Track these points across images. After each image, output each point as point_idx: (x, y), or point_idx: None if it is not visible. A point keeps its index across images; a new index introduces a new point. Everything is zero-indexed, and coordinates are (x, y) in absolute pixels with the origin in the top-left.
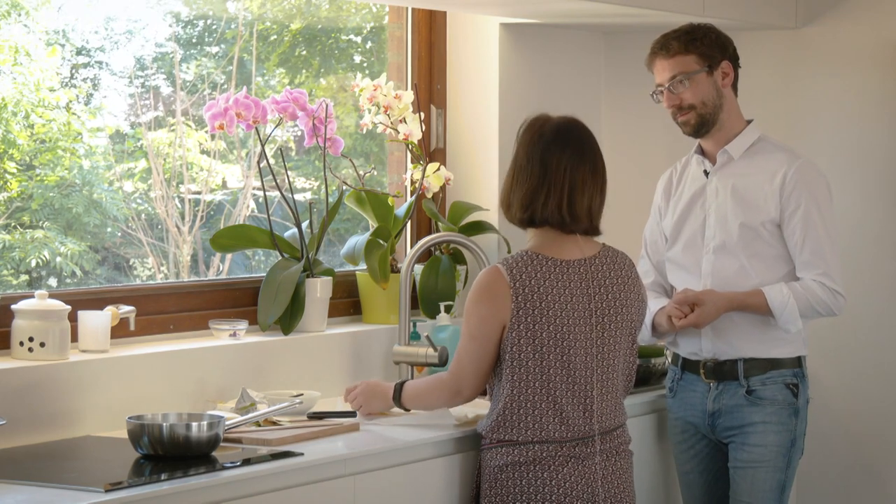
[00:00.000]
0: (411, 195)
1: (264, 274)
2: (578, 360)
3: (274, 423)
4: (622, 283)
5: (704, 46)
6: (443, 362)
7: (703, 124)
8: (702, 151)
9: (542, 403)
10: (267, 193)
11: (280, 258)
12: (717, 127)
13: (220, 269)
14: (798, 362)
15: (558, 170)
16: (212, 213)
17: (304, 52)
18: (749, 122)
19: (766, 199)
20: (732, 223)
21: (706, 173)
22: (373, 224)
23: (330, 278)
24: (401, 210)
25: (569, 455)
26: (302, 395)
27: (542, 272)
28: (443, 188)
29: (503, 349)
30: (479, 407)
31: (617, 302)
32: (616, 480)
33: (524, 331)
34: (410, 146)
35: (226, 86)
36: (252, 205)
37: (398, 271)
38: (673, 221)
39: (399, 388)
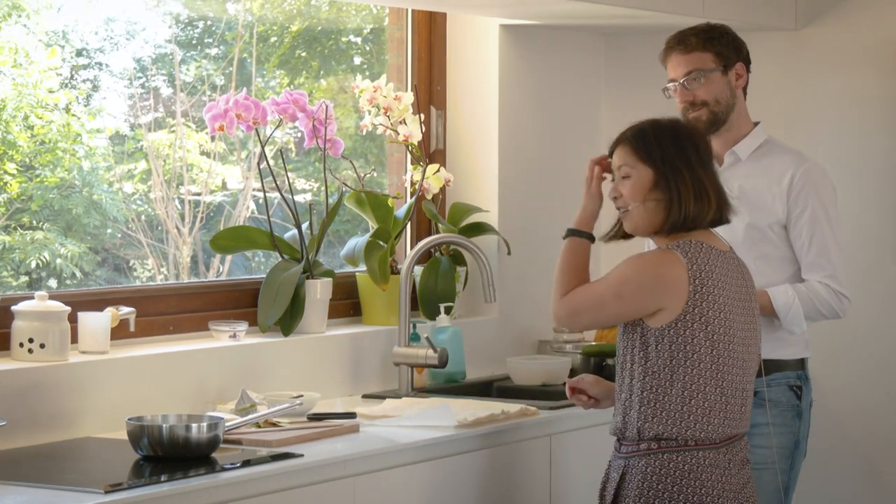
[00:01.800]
0: (411, 196)
1: (264, 275)
2: (740, 352)
3: (274, 425)
4: (751, 278)
5: (722, 46)
6: (443, 363)
7: (714, 122)
8: None
9: (711, 396)
10: (267, 195)
11: (280, 259)
12: (727, 127)
13: (220, 270)
14: (801, 364)
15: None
16: (212, 214)
17: (304, 54)
18: (756, 123)
19: (773, 200)
20: (739, 224)
21: None
22: (373, 225)
23: (330, 279)
24: (400, 211)
25: (730, 460)
26: (302, 396)
27: (712, 260)
28: (442, 189)
29: (674, 343)
30: (480, 409)
31: (754, 297)
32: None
33: (700, 319)
34: (410, 147)
35: (226, 87)
36: (252, 206)
37: (398, 273)
38: None
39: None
